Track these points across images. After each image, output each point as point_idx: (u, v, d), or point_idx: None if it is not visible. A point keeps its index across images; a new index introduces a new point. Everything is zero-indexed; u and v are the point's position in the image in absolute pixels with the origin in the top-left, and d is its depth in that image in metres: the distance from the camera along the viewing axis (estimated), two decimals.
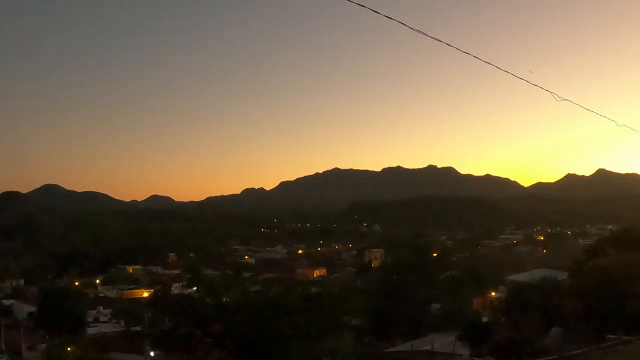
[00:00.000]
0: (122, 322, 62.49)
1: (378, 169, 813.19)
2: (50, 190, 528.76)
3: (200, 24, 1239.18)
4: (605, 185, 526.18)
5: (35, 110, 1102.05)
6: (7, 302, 77.27)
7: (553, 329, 37.56)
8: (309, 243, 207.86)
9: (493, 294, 64.11)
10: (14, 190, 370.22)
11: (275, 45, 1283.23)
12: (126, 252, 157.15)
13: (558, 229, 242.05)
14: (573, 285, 43.23)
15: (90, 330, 57.45)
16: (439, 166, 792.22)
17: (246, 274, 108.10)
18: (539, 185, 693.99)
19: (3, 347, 53.51)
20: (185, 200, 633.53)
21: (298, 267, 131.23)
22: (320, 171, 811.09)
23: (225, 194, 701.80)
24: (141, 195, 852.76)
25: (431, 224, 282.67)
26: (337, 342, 25.30)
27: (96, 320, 65.72)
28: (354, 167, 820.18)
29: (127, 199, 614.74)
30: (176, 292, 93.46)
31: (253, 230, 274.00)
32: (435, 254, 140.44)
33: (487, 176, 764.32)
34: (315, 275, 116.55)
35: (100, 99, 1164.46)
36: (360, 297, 60.87)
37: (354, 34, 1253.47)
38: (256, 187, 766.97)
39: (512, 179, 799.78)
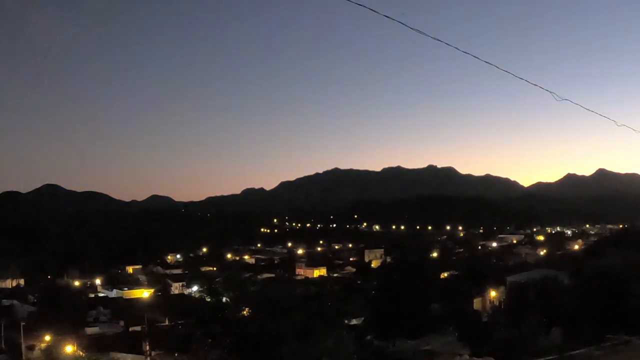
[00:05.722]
0: (122, 322, 62.39)
1: (378, 169, 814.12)
2: (50, 190, 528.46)
3: (200, 25, 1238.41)
4: (605, 185, 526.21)
5: (36, 110, 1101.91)
6: (7, 302, 77.19)
7: (553, 329, 37.58)
8: (309, 243, 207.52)
9: (493, 294, 64.00)
10: (14, 190, 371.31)
11: (274, 45, 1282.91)
12: (126, 252, 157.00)
13: (558, 229, 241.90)
14: (573, 285, 43.25)
15: (90, 330, 57.27)
16: (439, 166, 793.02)
17: (246, 274, 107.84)
18: (539, 185, 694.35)
19: (3, 347, 53.51)
20: (185, 200, 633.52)
21: (298, 267, 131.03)
22: (320, 171, 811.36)
23: (225, 194, 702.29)
24: (141, 195, 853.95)
25: (431, 224, 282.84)
26: (337, 342, 25.26)
27: (96, 320, 65.52)
28: (354, 167, 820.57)
29: (127, 199, 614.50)
30: (176, 292, 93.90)
31: (253, 230, 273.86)
32: (435, 254, 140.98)
33: (487, 176, 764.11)
34: (315, 275, 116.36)
35: (101, 99, 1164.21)
36: (360, 297, 60.78)
37: (354, 34, 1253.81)
38: (256, 187, 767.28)
39: (512, 179, 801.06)
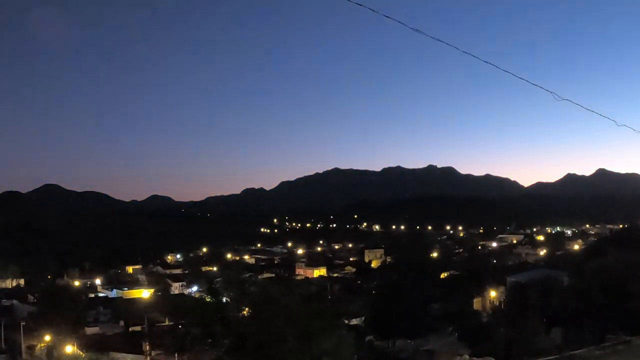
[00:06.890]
0: (122, 322, 62.38)
1: (378, 169, 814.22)
2: (50, 190, 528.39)
3: (201, 26, 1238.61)
4: (605, 185, 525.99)
5: (36, 110, 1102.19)
6: (7, 302, 77.17)
7: (553, 329, 37.60)
8: (309, 243, 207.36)
9: (493, 294, 63.98)
10: (14, 190, 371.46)
11: (274, 45, 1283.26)
12: (126, 252, 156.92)
13: (558, 229, 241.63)
14: (573, 285, 43.22)
15: (90, 330, 57.27)
16: (439, 166, 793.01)
17: (246, 274, 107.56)
18: (539, 185, 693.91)
19: (3, 347, 53.53)
20: (185, 200, 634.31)
21: (298, 267, 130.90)
22: (320, 171, 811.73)
23: (225, 194, 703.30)
24: (141, 195, 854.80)
25: (431, 224, 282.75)
26: (337, 342, 25.27)
27: (96, 320, 65.51)
28: (354, 167, 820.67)
29: (127, 199, 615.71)
30: (176, 292, 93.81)
31: (253, 230, 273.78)
32: (435, 254, 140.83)
33: (487, 176, 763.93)
34: (315, 275, 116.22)
35: (100, 99, 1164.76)
36: (360, 297, 60.79)
37: (353, 34, 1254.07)
38: (256, 187, 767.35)
39: (512, 179, 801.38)
